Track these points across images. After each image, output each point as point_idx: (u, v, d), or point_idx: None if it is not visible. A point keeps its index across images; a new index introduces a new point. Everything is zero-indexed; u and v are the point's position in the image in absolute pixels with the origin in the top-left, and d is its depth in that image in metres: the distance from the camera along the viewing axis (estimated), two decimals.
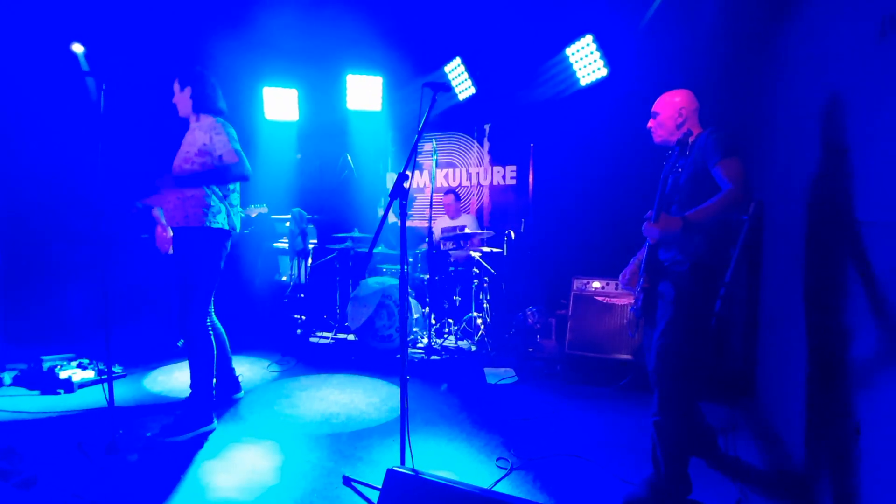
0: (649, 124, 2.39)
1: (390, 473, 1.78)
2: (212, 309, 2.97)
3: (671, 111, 2.31)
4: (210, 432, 2.77)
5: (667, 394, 2.11)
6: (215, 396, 2.92)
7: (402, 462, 2.06)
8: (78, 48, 4.72)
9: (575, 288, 3.99)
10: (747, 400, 3.24)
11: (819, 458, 2.05)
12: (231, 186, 2.90)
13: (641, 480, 2.16)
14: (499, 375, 3.84)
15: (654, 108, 2.38)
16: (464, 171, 5.87)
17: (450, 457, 2.53)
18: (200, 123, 2.86)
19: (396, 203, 2.05)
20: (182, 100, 2.89)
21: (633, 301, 2.42)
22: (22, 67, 4.60)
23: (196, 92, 2.86)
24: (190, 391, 2.82)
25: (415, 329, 4.56)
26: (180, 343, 4.47)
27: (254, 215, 4.07)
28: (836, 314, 1.95)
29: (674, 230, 2.00)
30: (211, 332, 2.86)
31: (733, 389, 3.33)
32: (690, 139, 2.24)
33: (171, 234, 3.00)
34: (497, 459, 2.48)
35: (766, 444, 2.65)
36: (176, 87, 2.90)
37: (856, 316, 1.76)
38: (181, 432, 2.67)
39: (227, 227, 2.85)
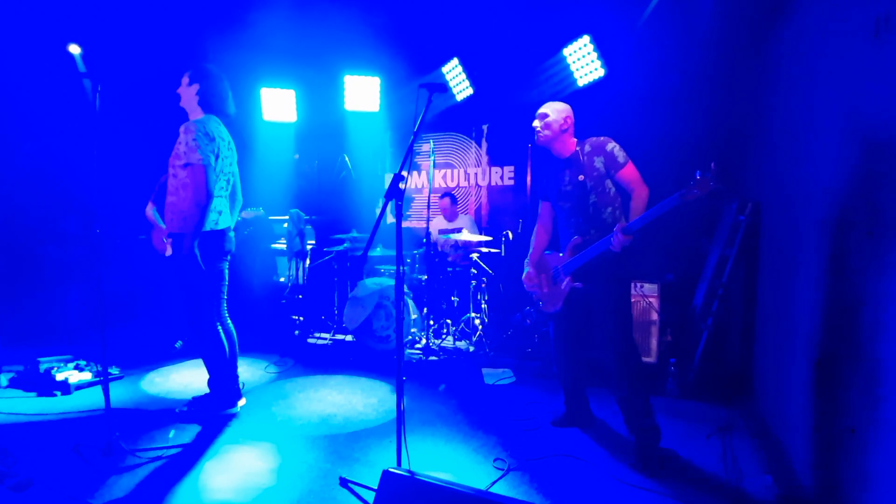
0: (536, 125, 2.67)
1: (386, 474, 1.78)
2: (225, 311, 3.08)
3: (558, 117, 2.63)
4: (233, 416, 2.98)
5: (629, 369, 2.51)
6: (195, 407, 3.03)
7: (399, 463, 2.06)
8: (75, 49, 4.72)
9: None
10: (745, 400, 3.24)
11: (816, 459, 2.05)
12: (219, 192, 2.88)
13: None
14: (496, 376, 3.83)
15: (541, 111, 2.68)
16: (462, 171, 5.87)
17: (447, 457, 2.53)
18: (187, 124, 2.81)
19: (393, 203, 2.05)
20: (188, 94, 2.88)
21: (545, 300, 2.81)
22: (18, 68, 4.59)
23: (202, 90, 2.86)
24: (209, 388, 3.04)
25: (413, 330, 4.55)
26: (178, 344, 4.47)
27: (249, 217, 4.07)
28: (832, 314, 1.95)
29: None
30: (221, 332, 2.96)
31: (731, 389, 3.33)
32: (577, 149, 2.62)
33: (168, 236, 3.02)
34: (494, 460, 2.48)
35: (763, 444, 2.65)
36: (185, 79, 2.89)
37: (853, 315, 1.76)
38: (207, 412, 2.94)
39: (220, 228, 2.87)
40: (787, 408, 2.48)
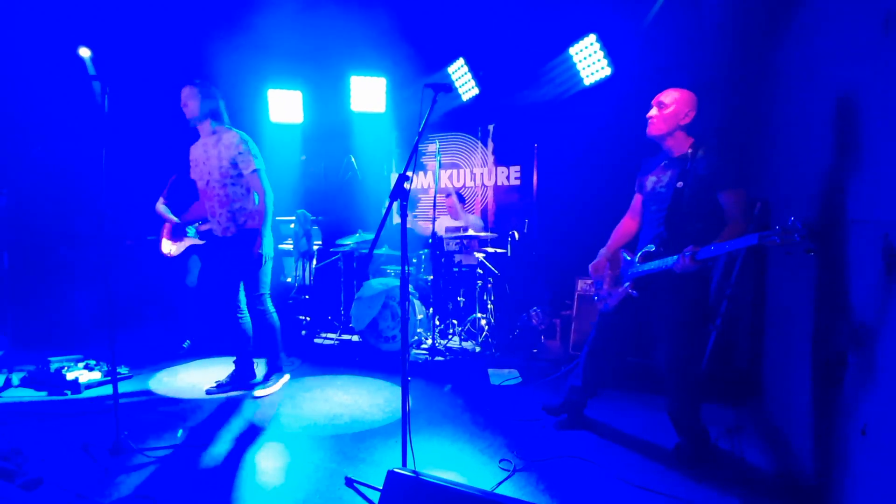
0: (652, 114, 2.43)
1: (391, 475, 1.78)
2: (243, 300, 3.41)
3: (680, 108, 2.37)
4: (285, 381, 3.48)
5: (686, 388, 2.42)
6: (231, 382, 3.41)
7: (404, 463, 2.06)
8: (85, 52, 4.77)
9: (579, 289, 3.98)
10: (754, 401, 3.21)
11: (825, 460, 2.02)
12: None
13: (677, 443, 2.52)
14: (503, 376, 3.83)
15: (661, 99, 2.41)
16: (468, 171, 5.87)
17: (453, 458, 2.52)
18: (222, 136, 3.13)
19: (398, 203, 2.06)
20: (202, 111, 3.11)
21: (602, 295, 2.70)
22: (30, 72, 4.65)
23: (215, 107, 3.14)
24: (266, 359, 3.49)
25: (419, 330, 4.55)
26: (186, 344, 4.50)
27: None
28: (840, 315, 1.93)
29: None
30: (272, 312, 3.39)
31: (740, 390, 3.30)
32: (689, 151, 2.37)
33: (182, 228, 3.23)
34: (500, 461, 2.47)
35: (772, 446, 2.63)
36: (195, 98, 3.09)
37: (861, 316, 1.74)
38: (241, 383, 3.37)
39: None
40: (796, 409, 2.46)
